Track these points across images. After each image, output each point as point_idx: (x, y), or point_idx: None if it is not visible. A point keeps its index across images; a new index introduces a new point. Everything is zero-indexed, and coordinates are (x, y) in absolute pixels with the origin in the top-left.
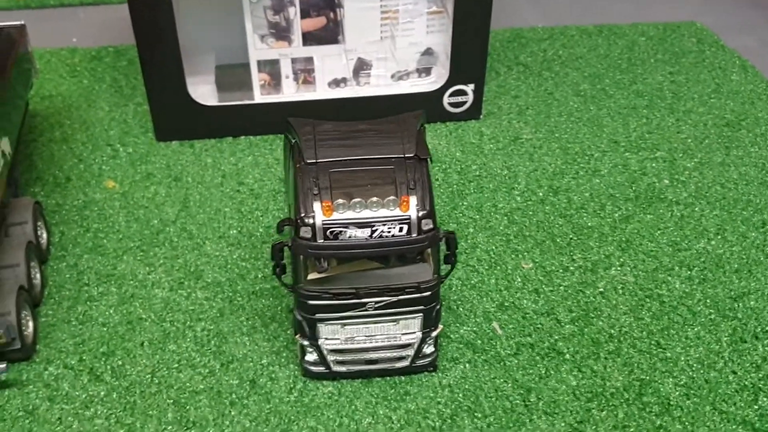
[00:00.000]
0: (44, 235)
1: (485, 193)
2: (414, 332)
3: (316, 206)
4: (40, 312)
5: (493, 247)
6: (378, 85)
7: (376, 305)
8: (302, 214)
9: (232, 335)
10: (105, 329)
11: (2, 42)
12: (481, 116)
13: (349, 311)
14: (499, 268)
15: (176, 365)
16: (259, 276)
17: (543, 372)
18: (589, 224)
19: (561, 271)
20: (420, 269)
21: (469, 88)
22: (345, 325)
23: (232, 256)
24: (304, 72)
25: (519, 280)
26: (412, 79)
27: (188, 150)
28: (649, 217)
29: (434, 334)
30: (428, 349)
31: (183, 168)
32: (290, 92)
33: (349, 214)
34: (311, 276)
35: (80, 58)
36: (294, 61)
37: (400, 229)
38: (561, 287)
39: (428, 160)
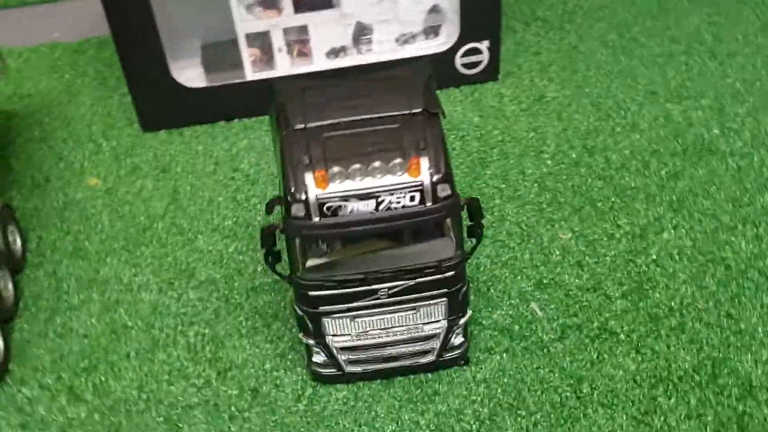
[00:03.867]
0: (17, 242)
1: (510, 159)
2: (438, 321)
3: (308, 178)
4: (14, 327)
5: (525, 218)
6: (381, 51)
7: (390, 292)
8: (292, 189)
9: (230, 338)
10: (86, 341)
11: None
12: (499, 77)
13: (358, 301)
14: (533, 241)
15: (167, 377)
16: (259, 270)
17: (595, 357)
18: (633, 185)
19: (605, 239)
20: (440, 245)
21: (484, 45)
22: (355, 317)
23: (228, 249)
24: (299, 43)
25: (557, 252)
26: (419, 41)
27: (177, 138)
28: (702, 172)
29: (462, 321)
30: (457, 339)
31: (172, 158)
32: (284, 67)
33: (348, 185)
34: (310, 262)
35: (61, 52)
36: (286, 31)
37: (412, 198)
38: (607, 258)
39: (440, 114)
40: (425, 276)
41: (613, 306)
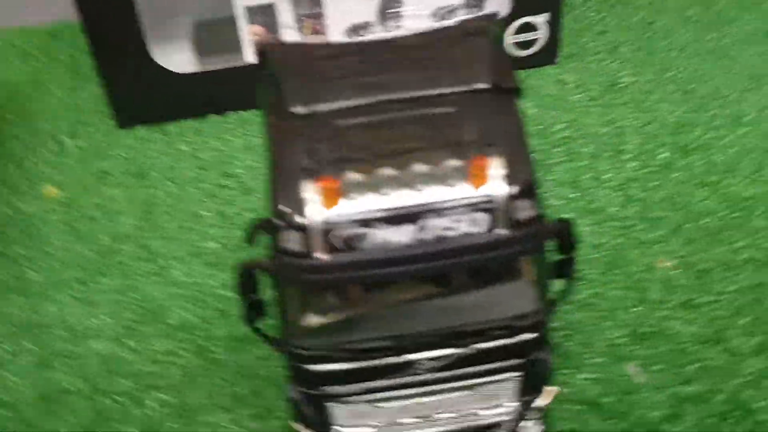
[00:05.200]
0: None
1: (581, 160)
2: (505, 404)
3: (308, 189)
4: None
5: (606, 240)
6: (413, 27)
7: (435, 364)
8: (284, 208)
9: (204, 411)
10: (11, 414)
11: None
12: (558, 59)
13: (384, 379)
14: (621, 270)
15: None
16: None
17: None
18: (747, 194)
19: (721, 268)
20: (511, 291)
21: (541, 20)
22: (378, 401)
23: (210, 282)
24: (311, 18)
25: (658, 287)
26: (460, 15)
27: (158, 136)
28: None
29: (542, 402)
30: (531, 430)
31: (149, 160)
32: None
33: (373, 200)
34: (310, 320)
35: (32, 37)
36: (296, 3)
37: (474, 222)
38: (725, 295)
39: (516, 92)
40: (490, 340)
41: (743, 367)
